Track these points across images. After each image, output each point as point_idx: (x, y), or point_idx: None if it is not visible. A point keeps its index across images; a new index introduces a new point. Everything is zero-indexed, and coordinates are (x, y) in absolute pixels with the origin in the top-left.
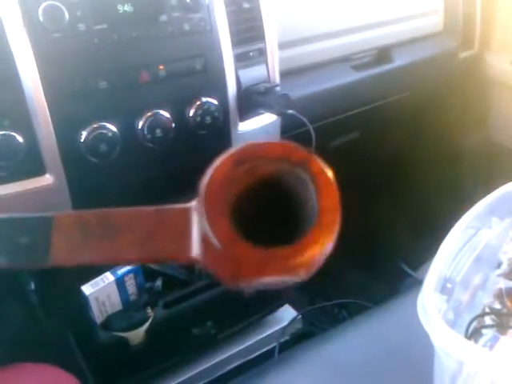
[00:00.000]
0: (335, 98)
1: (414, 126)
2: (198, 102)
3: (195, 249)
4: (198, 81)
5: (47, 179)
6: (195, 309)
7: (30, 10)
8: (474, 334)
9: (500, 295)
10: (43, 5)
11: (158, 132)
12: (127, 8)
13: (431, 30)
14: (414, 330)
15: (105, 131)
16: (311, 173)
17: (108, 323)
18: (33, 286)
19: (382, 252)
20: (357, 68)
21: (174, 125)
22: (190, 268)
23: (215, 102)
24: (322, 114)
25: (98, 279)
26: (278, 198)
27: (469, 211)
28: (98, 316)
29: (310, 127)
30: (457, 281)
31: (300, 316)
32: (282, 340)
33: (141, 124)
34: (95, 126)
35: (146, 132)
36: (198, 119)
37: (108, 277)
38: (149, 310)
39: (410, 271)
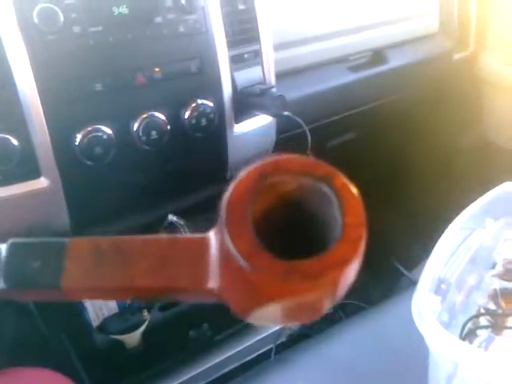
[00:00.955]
0: (331, 99)
1: (410, 126)
2: (194, 104)
3: (211, 278)
4: (194, 83)
5: (42, 182)
6: (191, 311)
7: (25, 12)
8: (468, 335)
9: (495, 296)
10: (38, 7)
11: (154, 134)
12: (122, 10)
13: (426, 31)
14: (409, 331)
15: (100, 134)
16: (335, 187)
17: (104, 326)
18: None
19: (378, 252)
20: (352, 69)
21: (169, 127)
22: None
23: (211, 104)
24: (318, 115)
25: None
26: (301, 214)
27: (463, 212)
28: (95, 319)
29: (306, 128)
30: (451, 282)
31: None
32: (279, 341)
33: (136, 126)
34: (90, 128)
35: (141, 134)
36: (194, 121)
37: None
38: (145, 313)
39: (405, 272)
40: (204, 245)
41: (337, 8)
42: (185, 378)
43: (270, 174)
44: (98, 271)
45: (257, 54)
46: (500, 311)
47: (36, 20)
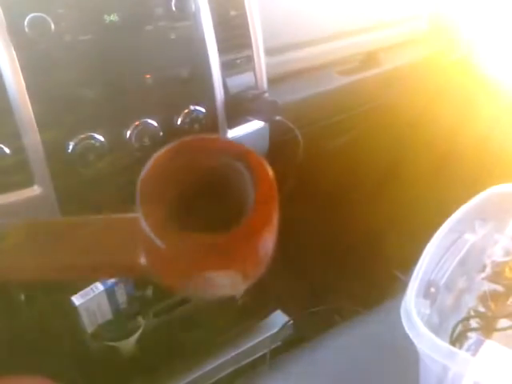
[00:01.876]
0: (323, 103)
1: (403, 129)
2: (186, 110)
3: (142, 255)
4: (186, 89)
5: (35, 190)
6: (186, 317)
7: (16, 20)
8: (459, 338)
9: (484, 298)
10: (29, 16)
11: (146, 141)
12: (113, 18)
13: (418, 34)
14: (403, 334)
15: (92, 141)
16: (249, 165)
17: (99, 333)
18: (23, 297)
19: (374, 256)
20: (344, 73)
21: (162, 133)
22: None
23: (203, 110)
24: (311, 119)
25: (87, 289)
26: (219, 192)
27: (452, 215)
28: (89, 326)
29: (298, 133)
30: (441, 284)
31: (291, 322)
32: (274, 346)
33: (128, 133)
34: (83, 136)
35: (133, 141)
36: (186, 127)
37: (98, 286)
38: (139, 319)
39: (400, 275)
40: (135, 223)
41: (328, 13)
42: (180, 383)
43: (185, 152)
44: (34, 251)
45: (249, 60)
46: (490, 313)
47: (27, 29)
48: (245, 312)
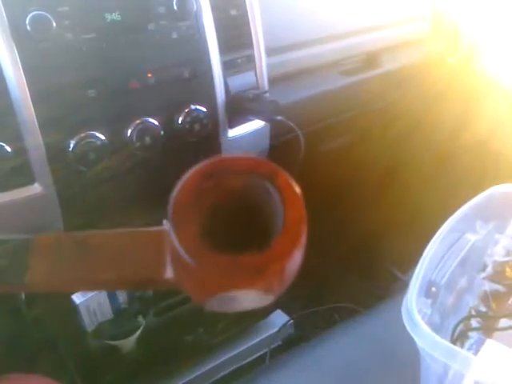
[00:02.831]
0: (324, 103)
1: (403, 130)
2: (187, 110)
3: (168, 269)
4: (187, 88)
5: (36, 188)
6: (186, 316)
7: (17, 19)
8: (460, 337)
9: (485, 298)
10: (30, 14)
11: (147, 140)
12: (115, 17)
13: (419, 35)
14: (403, 334)
15: (93, 140)
16: (278, 186)
17: (99, 332)
18: (23, 296)
19: (373, 256)
20: (346, 73)
21: (162, 132)
22: None
23: (204, 110)
24: (312, 119)
25: None
26: (248, 212)
27: (453, 215)
28: (89, 325)
29: (299, 133)
30: (442, 284)
31: (291, 321)
32: (274, 345)
33: (129, 132)
34: (83, 134)
35: (134, 140)
36: (187, 126)
37: None
38: (140, 318)
39: (399, 275)
40: (161, 237)
41: (330, 13)
42: (180, 382)
43: (215, 173)
44: (61, 266)
45: (250, 60)
46: (490, 313)
47: (29, 27)
48: (245, 312)
